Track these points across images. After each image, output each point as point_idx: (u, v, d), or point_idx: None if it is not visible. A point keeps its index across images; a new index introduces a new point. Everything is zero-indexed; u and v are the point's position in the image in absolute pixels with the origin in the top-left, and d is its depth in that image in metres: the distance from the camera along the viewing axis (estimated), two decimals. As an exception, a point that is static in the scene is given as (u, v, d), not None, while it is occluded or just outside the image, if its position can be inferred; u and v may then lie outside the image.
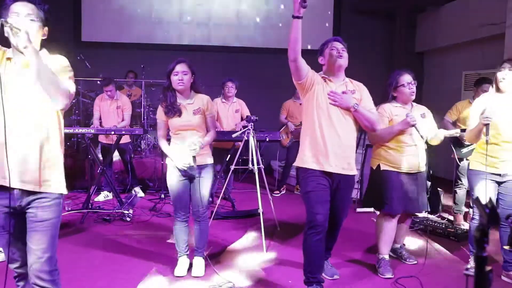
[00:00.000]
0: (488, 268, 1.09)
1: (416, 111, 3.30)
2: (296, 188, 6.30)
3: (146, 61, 7.19)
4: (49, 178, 1.94)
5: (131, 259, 3.56)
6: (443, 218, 4.86)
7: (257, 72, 8.02)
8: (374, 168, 3.33)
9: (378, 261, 3.36)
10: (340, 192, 2.85)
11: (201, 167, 3.18)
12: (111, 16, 8.12)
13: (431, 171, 5.16)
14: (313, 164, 2.77)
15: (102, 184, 5.55)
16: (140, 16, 8.20)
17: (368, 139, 3.01)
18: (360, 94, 2.87)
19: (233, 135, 4.52)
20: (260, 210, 3.95)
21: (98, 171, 5.02)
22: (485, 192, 3.04)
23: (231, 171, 4.73)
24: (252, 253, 3.76)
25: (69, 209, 4.73)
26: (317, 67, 2.87)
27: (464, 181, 4.52)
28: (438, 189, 5.20)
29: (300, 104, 5.98)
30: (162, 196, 5.42)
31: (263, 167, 4.45)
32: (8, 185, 1.85)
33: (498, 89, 3.08)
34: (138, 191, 5.77)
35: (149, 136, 7.24)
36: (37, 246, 1.91)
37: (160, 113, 3.20)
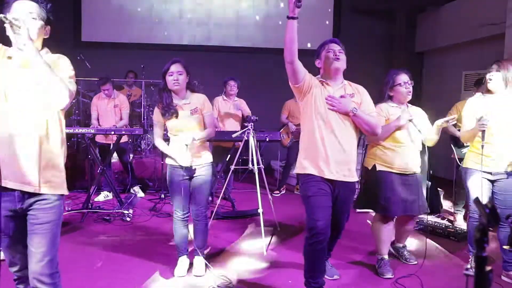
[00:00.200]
0: (488, 268, 1.09)
1: (413, 112, 3.30)
2: (296, 188, 6.30)
3: (146, 61, 7.19)
4: (50, 179, 1.92)
5: (131, 259, 3.56)
6: (443, 218, 4.86)
7: (257, 72, 8.02)
8: (370, 168, 3.30)
9: (378, 261, 3.36)
10: (341, 198, 2.76)
11: (200, 166, 3.19)
12: (111, 16, 8.13)
13: (431, 171, 5.17)
14: (313, 171, 2.69)
15: (102, 184, 5.55)
16: (140, 16, 8.21)
17: (366, 138, 2.96)
18: (359, 97, 2.78)
19: (233, 135, 4.52)
20: (260, 210, 3.95)
21: (98, 171, 5.02)
22: (478, 188, 3.10)
23: (231, 171, 4.73)
24: (252, 253, 3.76)
25: (69, 209, 4.73)
26: (316, 68, 2.84)
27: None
28: (438, 189, 5.20)
29: None
30: (162, 196, 5.42)
31: (263, 167, 4.45)
32: (7, 186, 1.83)
33: (488, 90, 3.14)
34: (137, 191, 5.77)
35: (149, 136, 7.23)
36: (37, 249, 1.89)
37: (157, 115, 3.18)
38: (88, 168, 5.64)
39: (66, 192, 2.01)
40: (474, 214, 3.25)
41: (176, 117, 3.11)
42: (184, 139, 3.04)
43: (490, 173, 3.11)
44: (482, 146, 3.02)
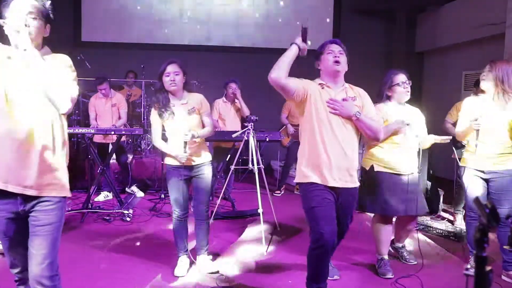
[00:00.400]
0: (488, 268, 1.09)
1: (410, 112, 3.32)
2: (296, 188, 6.29)
3: (146, 61, 7.19)
4: (52, 181, 1.89)
5: (131, 259, 3.56)
6: (443, 218, 4.86)
7: (257, 72, 7.98)
8: (367, 168, 3.30)
9: (378, 261, 3.36)
10: (344, 204, 2.66)
11: (200, 166, 3.20)
12: (111, 16, 8.12)
13: (431, 171, 5.17)
14: (317, 179, 2.57)
15: (102, 184, 5.55)
16: (140, 16, 8.21)
17: (363, 139, 2.93)
18: (361, 101, 2.69)
19: (233, 135, 4.52)
20: (260, 210, 3.95)
21: (98, 171, 5.02)
22: (474, 186, 3.17)
23: (231, 171, 4.73)
24: (252, 253, 3.76)
25: (69, 209, 4.73)
26: (317, 69, 2.78)
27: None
28: (438, 189, 5.20)
29: None
30: (162, 196, 5.42)
31: (263, 167, 4.45)
32: (8, 190, 1.80)
33: (482, 91, 3.20)
34: (136, 191, 5.76)
35: (149, 136, 7.23)
36: (38, 251, 1.87)
37: (154, 116, 3.18)
38: (88, 168, 5.64)
39: (68, 194, 1.98)
40: (471, 213, 3.28)
41: (174, 117, 3.12)
42: (183, 136, 3.05)
43: (483, 172, 3.17)
44: (476, 145, 3.09)
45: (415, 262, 3.53)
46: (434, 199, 5.06)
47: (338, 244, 2.99)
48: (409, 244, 3.90)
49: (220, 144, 5.27)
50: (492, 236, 3.52)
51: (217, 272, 3.27)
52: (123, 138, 5.56)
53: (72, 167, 6.16)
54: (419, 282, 3.13)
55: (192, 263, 3.36)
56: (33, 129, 1.82)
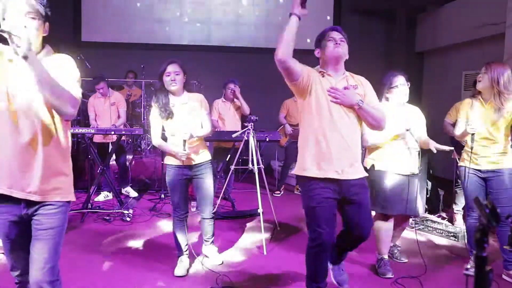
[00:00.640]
0: (488, 268, 1.09)
1: (410, 113, 3.33)
2: (296, 188, 6.30)
3: (146, 61, 7.19)
4: (56, 186, 1.85)
5: (131, 259, 3.56)
6: (443, 218, 4.86)
7: (257, 72, 8.01)
8: (368, 168, 3.30)
9: (378, 261, 3.37)
10: (352, 198, 2.52)
11: (199, 165, 3.22)
12: (111, 16, 8.12)
13: (431, 171, 5.17)
14: (314, 172, 2.47)
15: (102, 184, 5.54)
16: (140, 16, 8.20)
17: (362, 143, 2.90)
18: (363, 89, 2.58)
19: (233, 135, 4.52)
20: (260, 210, 3.95)
21: (98, 171, 5.02)
22: (471, 186, 3.22)
23: (231, 171, 4.73)
24: (252, 253, 3.76)
25: (69, 209, 4.72)
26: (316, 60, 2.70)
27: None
28: (438, 189, 5.20)
29: None
30: (162, 196, 5.42)
31: (263, 167, 4.45)
32: (12, 195, 1.78)
33: (479, 92, 3.25)
34: (129, 191, 5.72)
35: (149, 136, 7.23)
36: (39, 255, 1.83)
37: (154, 115, 3.19)
38: (88, 168, 5.64)
39: (73, 199, 1.94)
40: (471, 213, 3.30)
41: (173, 117, 3.13)
42: (182, 135, 3.07)
43: (480, 171, 3.22)
44: (472, 148, 3.16)
45: (406, 261, 3.57)
46: (434, 199, 5.07)
47: (354, 247, 2.83)
48: (409, 244, 3.89)
49: (220, 144, 5.27)
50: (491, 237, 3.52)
51: (222, 263, 3.44)
52: (123, 138, 5.56)
53: (72, 167, 6.19)
54: (419, 282, 3.13)
55: (194, 258, 3.37)
56: (36, 133, 1.78)
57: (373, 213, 3.22)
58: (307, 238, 2.64)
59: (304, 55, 2.63)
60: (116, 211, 4.71)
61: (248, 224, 4.57)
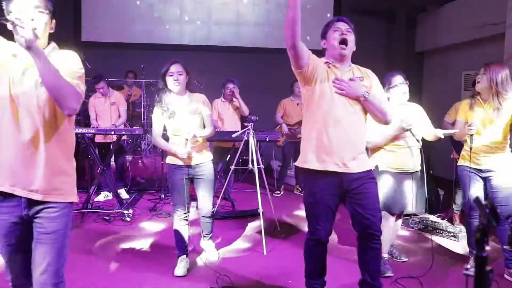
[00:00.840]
0: (488, 268, 1.09)
1: (411, 111, 3.34)
2: (296, 188, 6.30)
3: (146, 61, 7.19)
4: (58, 186, 1.80)
5: (131, 259, 3.56)
6: (443, 218, 4.86)
7: (257, 72, 8.02)
8: (372, 169, 3.33)
9: None
10: (355, 191, 2.45)
11: (201, 165, 3.25)
12: (111, 16, 8.12)
13: (431, 171, 5.17)
14: (315, 164, 2.43)
15: (102, 184, 5.54)
16: (140, 16, 8.20)
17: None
18: (369, 81, 2.52)
19: (233, 135, 4.52)
20: (260, 210, 3.96)
21: (98, 171, 5.02)
22: (471, 185, 3.24)
23: (231, 171, 4.73)
24: (252, 253, 3.76)
25: (72, 210, 4.72)
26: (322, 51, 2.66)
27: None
28: (438, 189, 5.20)
29: (298, 104, 6.00)
30: (162, 196, 5.42)
31: (263, 167, 4.45)
32: (14, 193, 1.74)
33: (478, 92, 3.28)
34: (121, 193, 5.61)
35: (149, 136, 7.23)
36: (42, 259, 1.78)
37: (156, 114, 3.22)
38: (88, 168, 5.64)
39: (75, 200, 1.90)
40: (471, 213, 3.31)
41: (176, 117, 3.15)
42: (185, 134, 3.10)
43: (481, 170, 3.24)
44: (471, 149, 3.19)
45: (406, 259, 3.57)
46: (434, 199, 5.06)
47: (377, 270, 2.61)
48: (409, 243, 3.89)
49: (220, 144, 5.27)
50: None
51: (218, 258, 3.55)
52: (124, 137, 5.55)
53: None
54: (419, 282, 3.13)
55: (194, 257, 3.36)
56: (39, 130, 1.74)
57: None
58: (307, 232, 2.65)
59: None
60: (116, 211, 4.71)
61: (248, 224, 4.57)
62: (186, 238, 3.32)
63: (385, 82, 3.35)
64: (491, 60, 3.28)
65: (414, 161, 3.31)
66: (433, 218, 4.73)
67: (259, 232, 3.93)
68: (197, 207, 3.41)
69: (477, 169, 3.25)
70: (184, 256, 3.32)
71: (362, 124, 2.51)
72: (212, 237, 3.65)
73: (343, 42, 2.44)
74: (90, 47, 7.83)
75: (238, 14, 8.41)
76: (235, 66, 7.83)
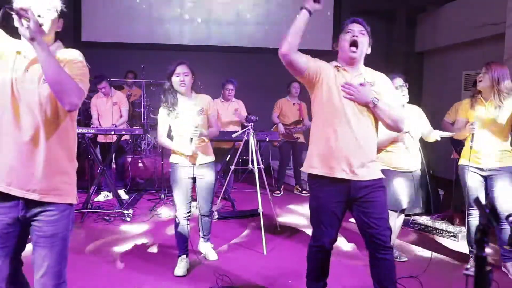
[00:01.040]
0: (488, 268, 1.09)
1: (410, 112, 3.38)
2: (296, 188, 6.30)
3: (146, 61, 7.19)
4: (57, 186, 1.76)
5: (131, 259, 3.56)
6: (443, 218, 4.86)
7: (257, 72, 8.02)
8: None
9: None
10: (362, 199, 2.35)
11: (204, 165, 3.29)
12: (111, 16, 8.12)
13: (431, 171, 5.17)
14: (322, 169, 2.35)
15: (102, 184, 5.54)
16: (140, 16, 8.20)
17: None
18: (380, 86, 2.42)
19: (233, 135, 4.52)
20: (260, 210, 3.96)
21: (98, 171, 5.02)
22: (472, 184, 3.27)
23: (231, 171, 4.73)
24: (252, 253, 3.76)
25: (73, 212, 4.71)
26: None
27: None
28: (438, 189, 5.20)
29: (294, 104, 6.01)
30: (162, 196, 5.42)
31: (263, 167, 4.45)
32: (11, 193, 1.70)
33: (479, 91, 3.32)
34: (119, 193, 5.65)
35: (149, 136, 7.23)
36: (42, 262, 1.75)
37: (162, 114, 3.26)
38: (88, 168, 5.64)
39: (74, 201, 1.84)
40: (471, 212, 3.32)
41: (181, 117, 3.20)
42: (191, 132, 3.14)
43: (482, 169, 3.26)
44: (471, 147, 3.21)
45: (406, 259, 3.59)
46: (434, 199, 5.06)
47: (378, 259, 2.42)
48: (409, 243, 3.89)
49: (220, 144, 5.27)
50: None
51: (217, 259, 3.54)
52: (126, 137, 5.55)
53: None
54: (419, 282, 3.13)
55: (194, 257, 3.36)
56: (39, 128, 1.71)
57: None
58: (308, 238, 2.64)
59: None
60: (116, 211, 4.71)
61: (248, 224, 4.57)
62: (187, 237, 3.32)
63: None
64: (491, 60, 3.32)
65: (413, 161, 3.35)
66: (433, 218, 4.73)
67: (259, 232, 3.93)
68: (196, 207, 3.41)
69: (478, 168, 3.27)
70: (184, 256, 3.32)
71: (372, 130, 2.40)
72: (210, 239, 3.65)
73: (354, 44, 2.35)
74: (90, 47, 7.83)
75: (238, 14, 8.41)
76: (235, 66, 7.84)
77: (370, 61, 2.65)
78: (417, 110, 3.45)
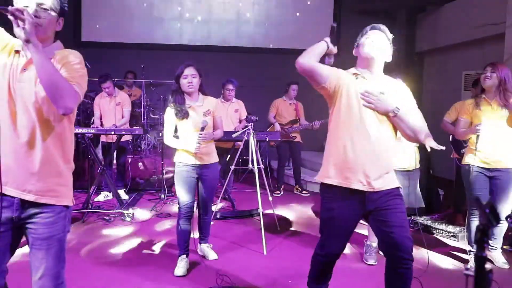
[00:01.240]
0: (488, 268, 1.09)
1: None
2: (295, 188, 6.30)
3: (146, 61, 7.19)
4: (53, 187, 1.74)
5: (131, 259, 3.56)
6: (443, 218, 4.86)
7: (257, 72, 8.02)
8: None
9: (366, 246, 3.51)
10: (379, 210, 2.24)
11: (207, 165, 3.33)
12: (111, 16, 8.13)
13: (431, 171, 5.17)
14: (337, 180, 2.26)
15: (102, 184, 5.54)
16: (140, 16, 8.21)
17: None
18: (401, 95, 2.32)
19: (233, 135, 4.52)
20: (260, 210, 3.96)
21: (98, 171, 5.02)
22: (476, 184, 3.25)
23: (231, 171, 4.73)
24: (252, 253, 3.76)
25: (70, 214, 4.71)
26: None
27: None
28: (438, 189, 5.20)
29: (290, 103, 6.02)
30: (162, 196, 5.42)
31: (263, 167, 4.46)
32: (6, 193, 1.67)
33: (483, 90, 3.35)
34: (119, 193, 5.65)
35: (149, 136, 7.23)
36: (39, 264, 1.73)
37: (169, 114, 3.30)
38: (88, 168, 5.64)
39: (69, 203, 1.82)
40: (473, 212, 3.32)
41: (188, 118, 3.25)
42: (201, 122, 3.21)
43: (488, 170, 3.28)
44: (476, 149, 3.25)
45: None
46: (434, 199, 5.06)
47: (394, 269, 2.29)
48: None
49: (220, 144, 5.27)
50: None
51: (217, 258, 3.56)
52: (127, 138, 5.56)
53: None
54: (418, 282, 3.13)
55: (194, 257, 3.36)
56: (35, 128, 1.69)
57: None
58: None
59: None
60: (116, 211, 4.71)
61: (248, 224, 4.57)
62: (188, 237, 3.33)
63: None
64: (491, 60, 3.37)
65: (409, 160, 3.42)
66: (433, 218, 4.73)
67: (259, 232, 3.93)
68: (196, 207, 3.43)
69: (484, 168, 3.29)
70: (184, 256, 3.32)
71: (390, 140, 2.31)
72: (209, 239, 3.66)
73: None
74: (90, 47, 7.84)
75: (238, 14, 8.42)
76: (235, 66, 7.84)
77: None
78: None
